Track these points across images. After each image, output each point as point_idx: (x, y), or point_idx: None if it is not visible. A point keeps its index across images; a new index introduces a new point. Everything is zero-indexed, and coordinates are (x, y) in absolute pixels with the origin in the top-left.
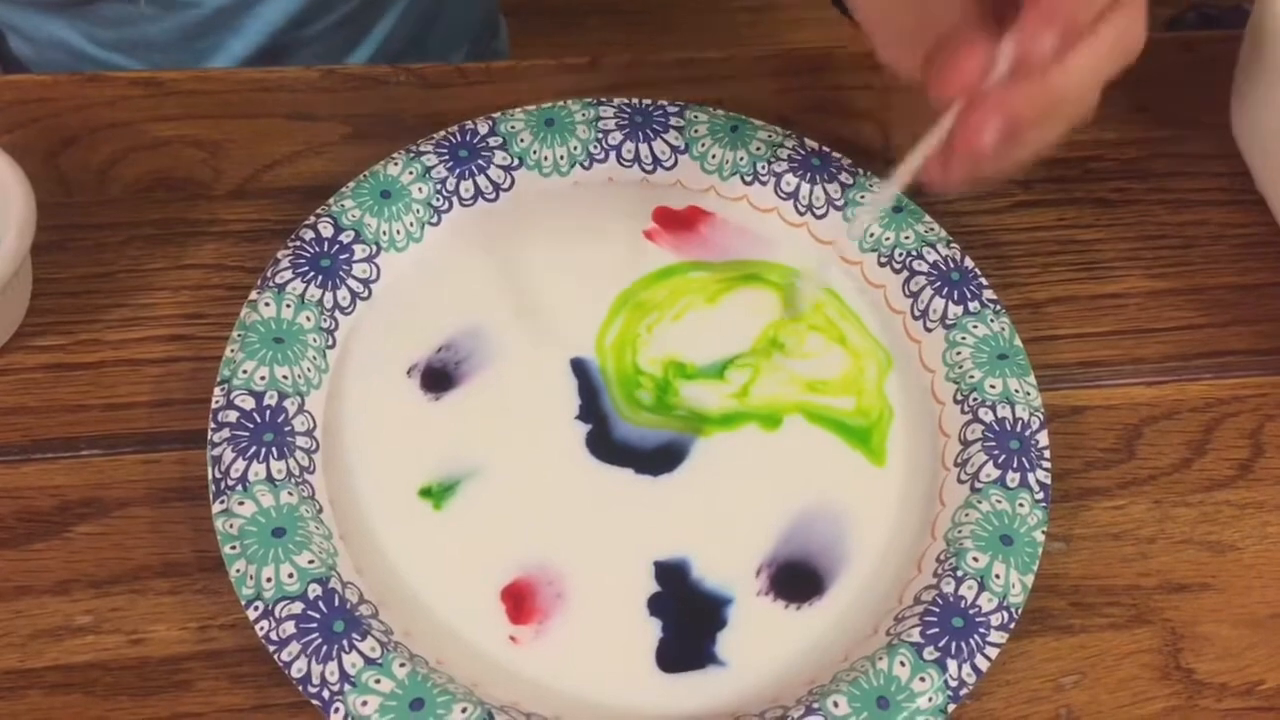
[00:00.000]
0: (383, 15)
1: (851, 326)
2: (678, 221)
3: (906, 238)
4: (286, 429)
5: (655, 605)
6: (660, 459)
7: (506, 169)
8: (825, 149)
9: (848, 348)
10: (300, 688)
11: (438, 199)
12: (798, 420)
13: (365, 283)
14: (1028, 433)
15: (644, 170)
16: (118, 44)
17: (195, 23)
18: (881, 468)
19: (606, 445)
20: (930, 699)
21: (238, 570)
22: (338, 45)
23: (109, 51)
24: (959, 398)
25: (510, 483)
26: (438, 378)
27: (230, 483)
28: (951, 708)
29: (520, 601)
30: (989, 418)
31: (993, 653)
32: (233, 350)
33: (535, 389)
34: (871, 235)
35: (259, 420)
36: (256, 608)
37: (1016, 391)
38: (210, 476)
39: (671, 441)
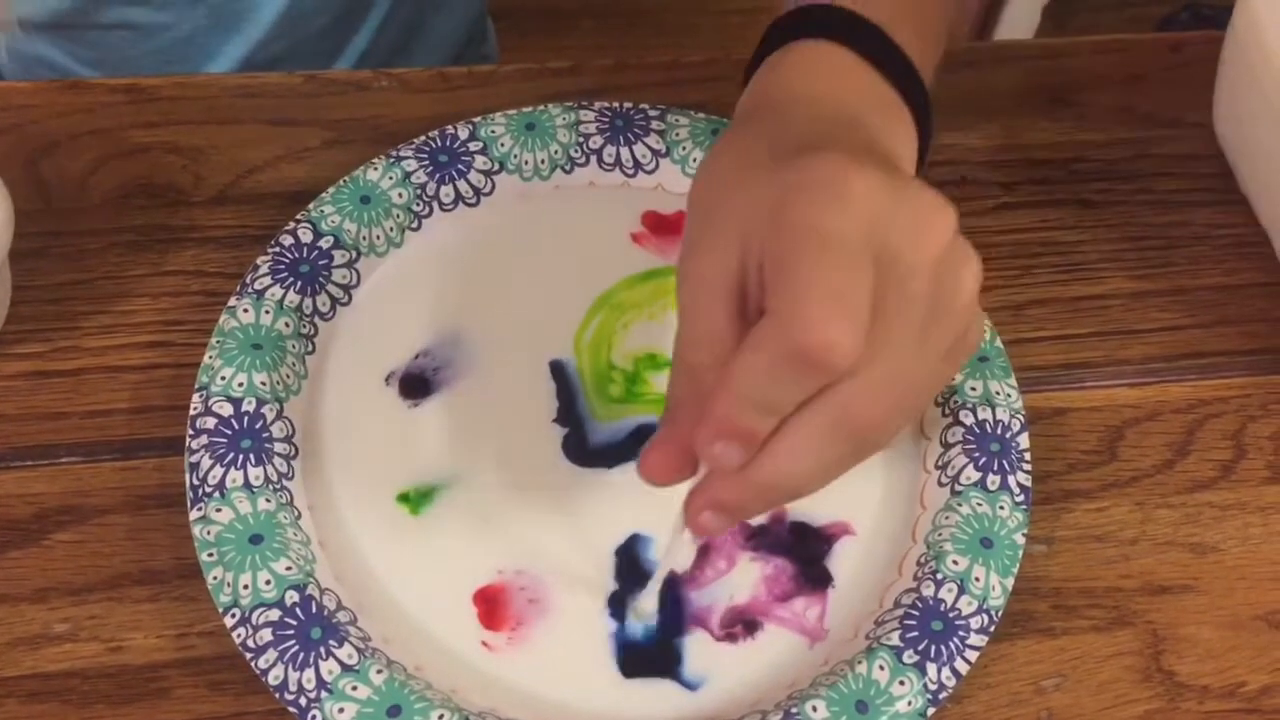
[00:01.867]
0: (357, 32)
1: None
2: (666, 226)
3: None
4: (265, 435)
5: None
6: (632, 447)
7: (487, 173)
8: None
9: None
10: (277, 695)
11: (418, 204)
12: None
13: (345, 288)
14: (1008, 435)
15: (625, 174)
16: (99, 63)
17: (171, 44)
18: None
19: (582, 450)
20: (909, 703)
21: (215, 577)
22: (315, 63)
23: (92, 70)
24: (939, 400)
25: (487, 489)
26: (416, 384)
27: (208, 489)
28: (931, 711)
29: (494, 607)
30: (969, 420)
31: (972, 656)
32: (211, 357)
33: (514, 394)
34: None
35: (237, 427)
36: (233, 615)
37: (997, 394)
38: (188, 483)
39: (641, 426)
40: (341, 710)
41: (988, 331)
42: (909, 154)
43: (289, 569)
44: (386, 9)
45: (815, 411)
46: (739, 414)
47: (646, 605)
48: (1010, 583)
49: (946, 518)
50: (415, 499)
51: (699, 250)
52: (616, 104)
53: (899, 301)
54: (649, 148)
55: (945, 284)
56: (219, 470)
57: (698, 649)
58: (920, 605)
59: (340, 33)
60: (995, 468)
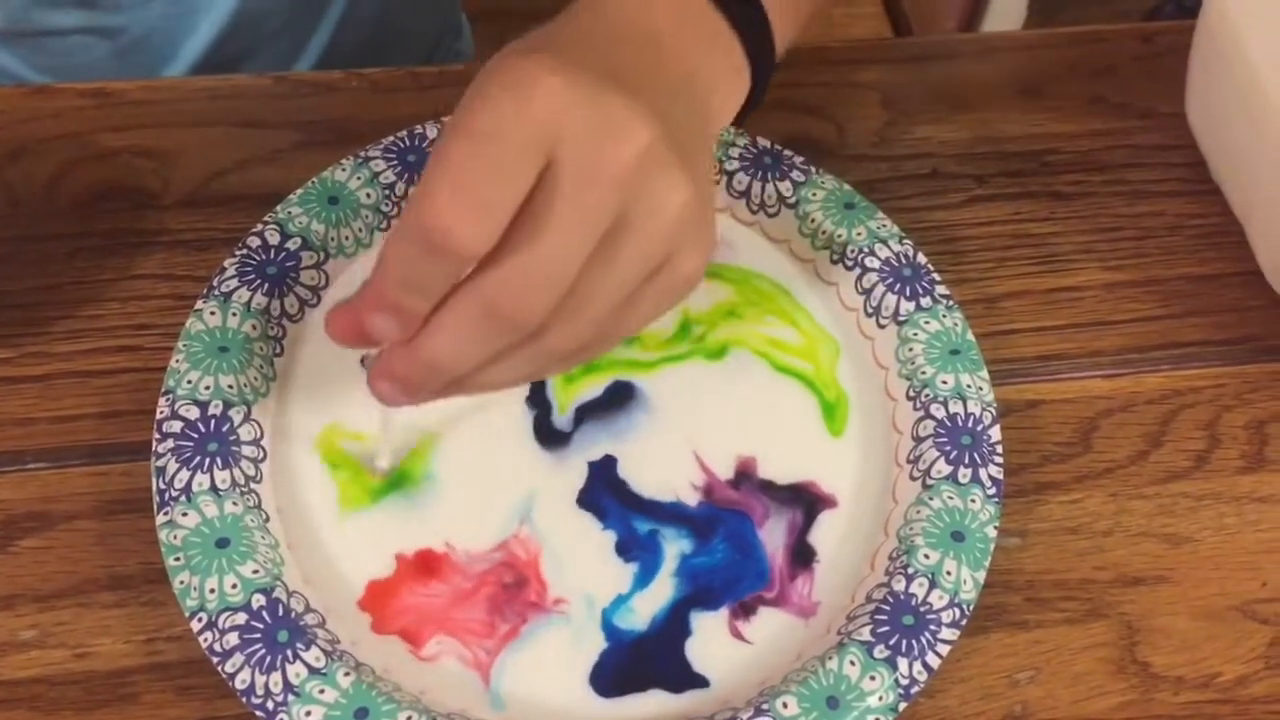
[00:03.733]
0: (315, 30)
1: (803, 318)
2: None
3: (858, 234)
4: (231, 438)
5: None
6: (609, 402)
7: None
8: (777, 147)
9: (800, 331)
10: (244, 699)
11: (386, 204)
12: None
13: (314, 290)
14: (979, 428)
15: None
16: (54, 70)
17: (127, 47)
18: (839, 438)
19: (550, 432)
20: (880, 698)
21: (181, 582)
22: (271, 60)
23: (51, 78)
24: (911, 394)
25: (462, 490)
26: None
27: (174, 493)
28: (903, 706)
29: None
30: (940, 414)
31: (944, 650)
32: (177, 360)
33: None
34: (824, 233)
35: (203, 430)
36: (200, 619)
37: (969, 387)
38: (154, 488)
39: (616, 383)
40: (309, 713)
41: (959, 324)
42: (722, 80)
43: (256, 572)
44: (344, 6)
45: (459, 296)
46: (390, 290)
47: (381, 463)
48: (982, 576)
49: (918, 512)
50: (384, 490)
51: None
52: None
53: (563, 205)
54: None
55: (637, 201)
56: (185, 474)
57: (700, 648)
58: (891, 600)
59: (298, 30)
60: (966, 461)
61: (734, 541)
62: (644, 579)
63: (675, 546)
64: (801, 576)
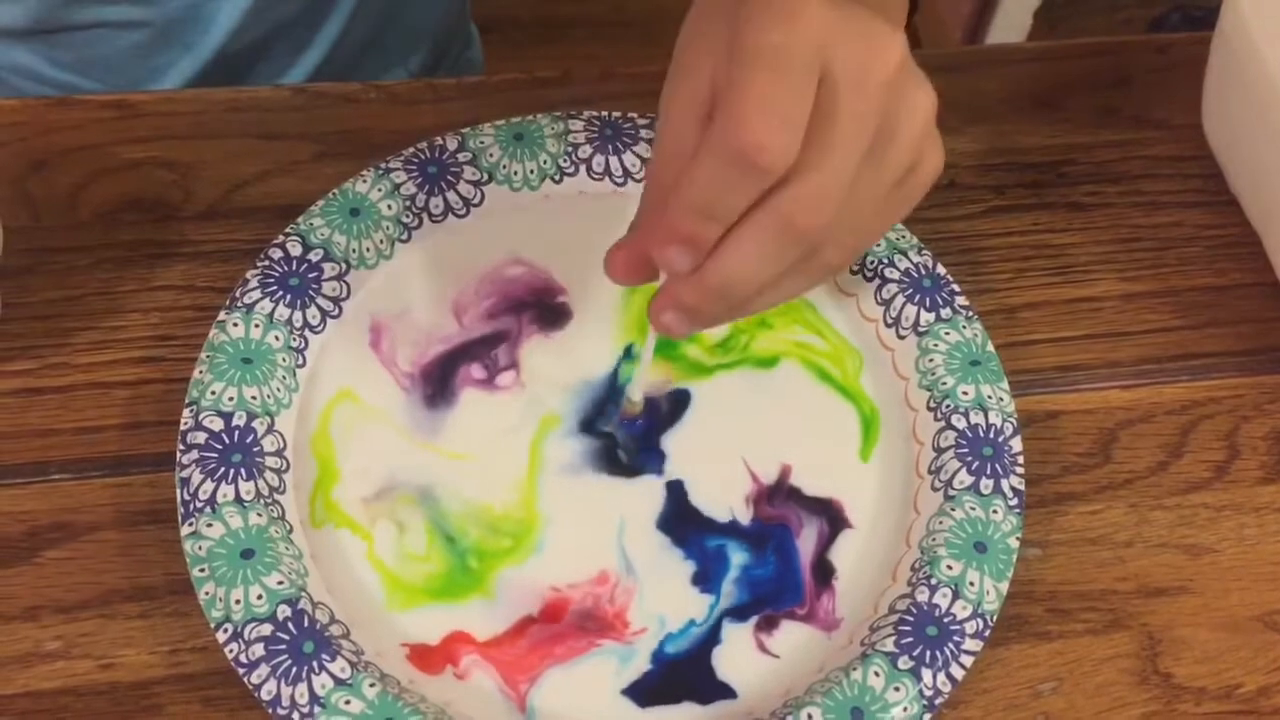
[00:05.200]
0: (328, 19)
1: (827, 330)
2: None
3: (878, 245)
4: (255, 449)
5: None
6: (672, 413)
7: (476, 184)
8: None
9: (827, 341)
10: (270, 710)
11: (407, 215)
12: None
13: (335, 301)
14: (1000, 439)
15: (615, 183)
16: (75, 65)
17: (148, 39)
18: (867, 462)
19: (616, 458)
20: (905, 709)
21: (206, 593)
22: (285, 50)
23: (68, 73)
24: (932, 405)
25: (483, 499)
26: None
27: (199, 505)
28: (927, 717)
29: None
30: (962, 424)
31: (968, 661)
32: (200, 372)
33: (505, 405)
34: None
35: (227, 441)
36: (226, 630)
37: (989, 398)
38: (179, 499)
39: (677, 391)
40: None
41: (979, 335)
42: None
43: (281, 583)
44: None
45: (758, 215)
46: (685, 219)
47: (635, 395)
48: (1005, 587)
49: (940, 523)
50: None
51: (672, 82)
52: (605, 113)
53: (844, 117)
54: (638, 156)
55: (896, 109)
56: (210, 485)
57: (727, 660)
58: (915, 611)
59: (312, 19)
60: (988, 472)
61: (781, 554)
62: (715, 606)
63: (738, 558)
64: (825, 593)
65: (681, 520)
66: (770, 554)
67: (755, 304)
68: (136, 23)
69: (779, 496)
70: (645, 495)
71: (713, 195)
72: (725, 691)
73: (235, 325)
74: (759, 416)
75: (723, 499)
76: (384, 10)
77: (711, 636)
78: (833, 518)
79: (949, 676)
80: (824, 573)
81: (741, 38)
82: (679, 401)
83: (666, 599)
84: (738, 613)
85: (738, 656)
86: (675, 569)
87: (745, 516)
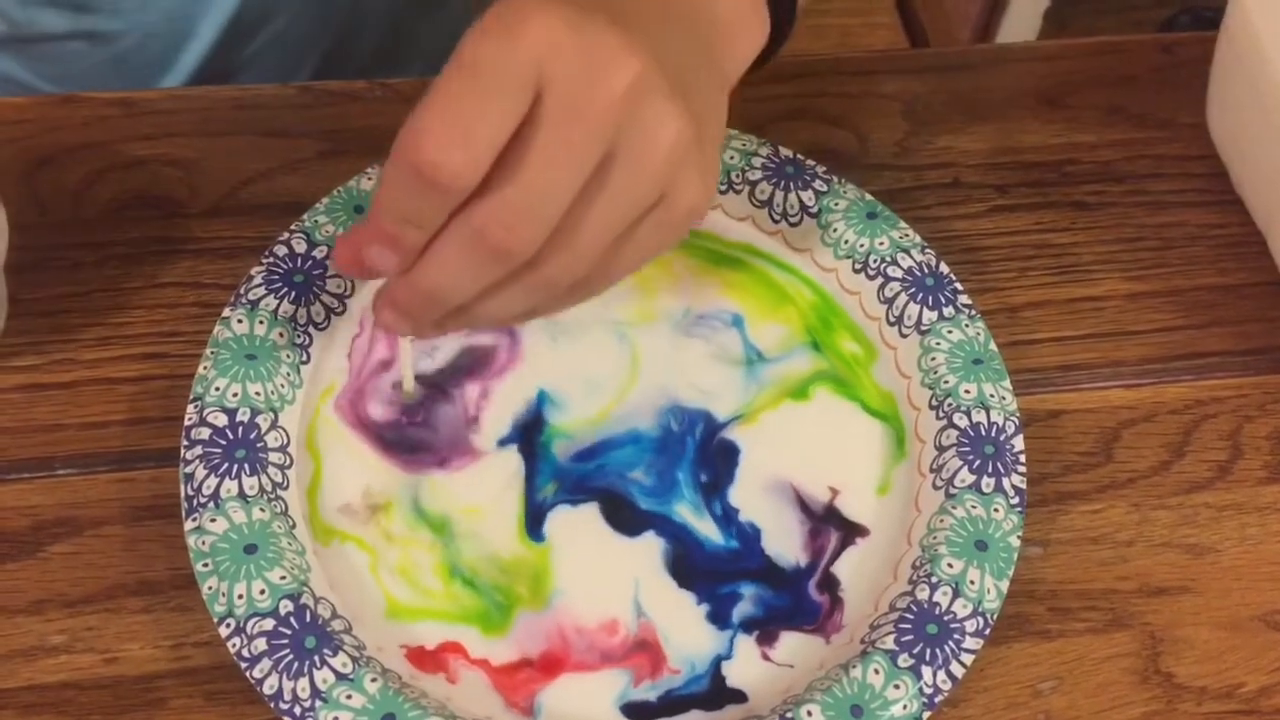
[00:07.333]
0: (318, 37)
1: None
2: None
3: (881, 244)
4: (259, 445)
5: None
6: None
7: None
8: (799, 157)
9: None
10: (272, 704)
11: None
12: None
13: (340, 298)
14: (1002, 438)
15: None
16: (59, 78)
17: (126, 52)
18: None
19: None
20: (905, 706)
21: (210, 587)
22: (271, 70)
23: (55, 85)
24: (934, 403)
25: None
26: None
27: (202, 500)
28: (927, 715)
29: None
30: (964, 423)
31: (968, 659)
32: (205, 367)
33: (510, 401)
34: (846, 243)
35: (231, 437)
36: (228, 625)
37: (991, 396)
38: (183, 494)
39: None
40: (336, 719)
41: (982, 334)
42: (735, 16)
43: (283, 578)
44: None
45: (454, 225)
46: (385, 222)
47: (407, 386)
48: (1005, 585)
49: (941, 521)
50: (408, 504)
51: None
52: None
53: (547, 135)
54: None
55: (627, 133)
56: (213, 480)
57: (737, 671)
58: (915, 609)
59: (300, 36)
60: (990, 470)
61: (792, 587)
62: (733, 637)
63: (749, 591)
64: (836, 610)
65: (690, 569)
66: (799, 589)
67: (479, 313)
68: (106, 34)
69: (831, 524)
70: (647, 550)
71: (402, 204)
72: (737, 697)
73: (240, 321)
74: (804, 449)
75: (789, 546)
76: (383, 25)
77: (727, 651)
78: (849, 533)
79: (949, 674)
80: (830, 586)
81: (459, 49)
82: (727, 453)
83: (691, 642)
84: (746, 626)
85: (746, 667)
86: (691, 614)
87: (805, 560)
